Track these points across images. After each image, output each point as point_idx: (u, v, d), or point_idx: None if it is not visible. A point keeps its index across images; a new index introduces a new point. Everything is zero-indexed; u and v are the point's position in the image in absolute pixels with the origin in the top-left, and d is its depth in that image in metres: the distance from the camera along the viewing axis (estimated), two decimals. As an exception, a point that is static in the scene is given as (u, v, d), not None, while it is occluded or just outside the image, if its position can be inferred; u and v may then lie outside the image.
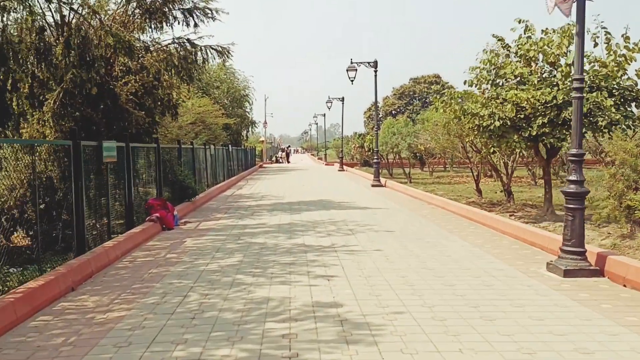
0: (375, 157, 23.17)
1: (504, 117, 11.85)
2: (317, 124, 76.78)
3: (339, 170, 38.88)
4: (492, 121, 12.03)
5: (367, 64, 22.75)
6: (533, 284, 6.57)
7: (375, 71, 22.74)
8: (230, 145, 30.38)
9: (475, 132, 13.13)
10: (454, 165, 40.03)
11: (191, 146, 18.10)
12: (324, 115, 62.40)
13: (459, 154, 18.29)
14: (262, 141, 63.19)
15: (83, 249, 7.89)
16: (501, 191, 20.17)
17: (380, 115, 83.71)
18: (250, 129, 45.35)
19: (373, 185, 22.69)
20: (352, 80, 23.24)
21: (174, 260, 8.25)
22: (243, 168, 36.90)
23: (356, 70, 23.07)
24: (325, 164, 53.42)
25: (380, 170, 23.17)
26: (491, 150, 13.05)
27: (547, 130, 11.52)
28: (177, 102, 14.82)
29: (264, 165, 51.41)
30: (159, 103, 14.10)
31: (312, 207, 15.11)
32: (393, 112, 78.03)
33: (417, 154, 28.15)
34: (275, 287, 6.50)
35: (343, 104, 39.89)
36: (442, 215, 13.05)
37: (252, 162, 46.76)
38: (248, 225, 11.71)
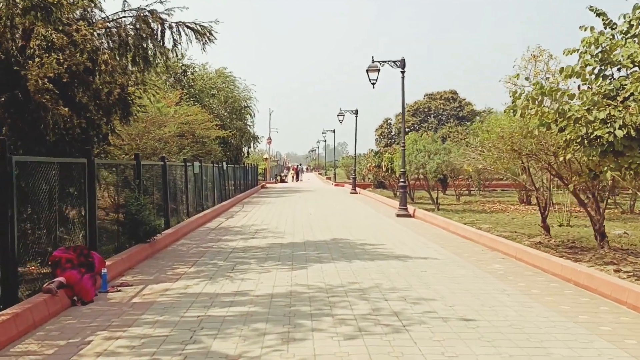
0: (402, 180, 18.48)
1: (630, 122, 7.33)
2: (325, 140, 72.42)
3: (351, 193, 34.18)
4: (611, 129, 7.48)
5: (392, 63, 18.20)
6: None
7: (403, 72, 18.17)
8: (225, 163, 25.81)
9: (577, 147, 8.59)
10: (481, 189, 35.50)
11: (161, 163, 13.47)
12: (334, 131, 57.91)
13: (522, 177, 13.58)
14: (266, 159, 58.57)
15: None
16: (560, 225, 15.53)
17: (392, 133, 78.99)
18: (252, 144, 40.70)
19: (399, 215, 17.97)
20: (373, 84, 18.67)
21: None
22: (242, 189, 32.28)
23: (379, 70, 18.50)
24: (335, 185, 48.72)
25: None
26: (607, 175, 8.33)
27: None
28: (130, 98, 10.18)
29: (267, 186, 46.78)
30: (105, 97, 9.50)
31: (325, 253, 10.39)
32: (407, 129, 73.00)
33: (442, 175, 23.44)
34: None
35: (357, 117, 35.35)
36: (529, 275, 8.31)
37: (254, 182, 42.14)
38: (219, 295, 6.99)
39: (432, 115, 73.45)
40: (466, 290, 7.24)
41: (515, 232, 13.67)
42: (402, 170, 18.68)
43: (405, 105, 62.31)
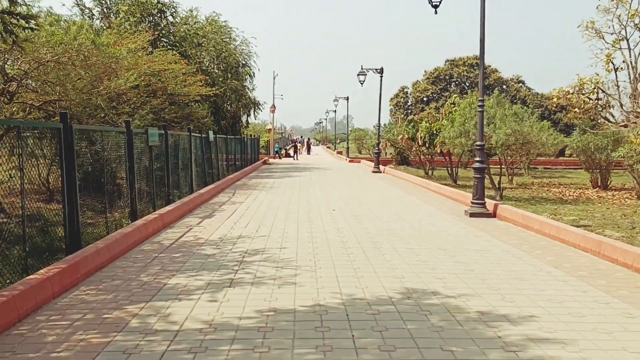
0: (478, 158, 11.77)
1: None
2: (335, 111, 65.51)
3: (373, 172, 27.49)
4: None
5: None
6: None
7: (485, -13, 11.31)
8: (211, 132, 19.12)
9: None
10: (530, 167, 28.86)
11: (59, 125, 6.80)
12: (347, 98, 50.86)
13: None
14: (270, 129, 51.63)
15: None
16: None
17: (408, 103, 71.50)
18: (252, 112, 33.78)
19: (473, 215, 11.38)
20: (435, 8, 11.84)
21: None
22: (238, 166, 25.69)
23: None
24: (349, 160, 41.92)
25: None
26: None
27: None
28: None
29: (270, 161, 40.08)
30: None
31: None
32: (425, 98, 66.22)
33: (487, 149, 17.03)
34: None
35: (382, 77, 28.34)
36: None
37: (255, 156, 35.47)
38: None
39: (453, 83, 66.10)
40: None
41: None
42: (477, 144, 11.90)
43: (424, 73, 53.61)
